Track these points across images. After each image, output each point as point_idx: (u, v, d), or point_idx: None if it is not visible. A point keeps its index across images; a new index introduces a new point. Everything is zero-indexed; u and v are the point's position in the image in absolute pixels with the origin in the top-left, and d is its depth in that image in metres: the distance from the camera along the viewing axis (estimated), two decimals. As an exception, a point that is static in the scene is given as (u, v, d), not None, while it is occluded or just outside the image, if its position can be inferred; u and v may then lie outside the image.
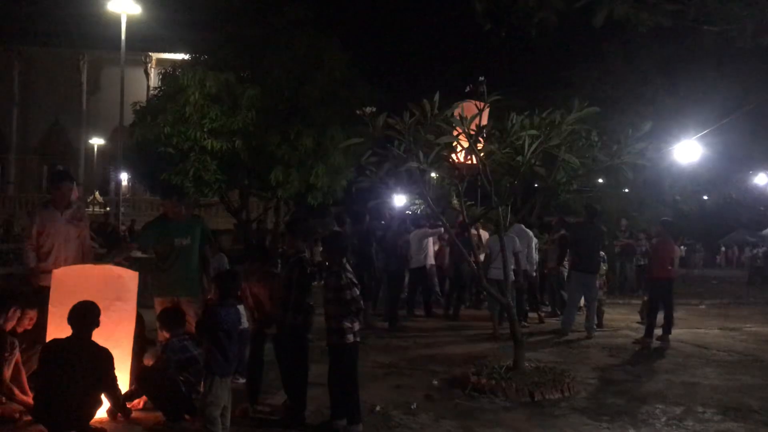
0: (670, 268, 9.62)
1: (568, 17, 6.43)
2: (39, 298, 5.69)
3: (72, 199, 6.43)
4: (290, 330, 5.44)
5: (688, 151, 11.53)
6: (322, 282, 5.51)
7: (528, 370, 6.92)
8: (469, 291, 12.90)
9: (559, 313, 11.42)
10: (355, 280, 5.28)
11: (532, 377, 6.68)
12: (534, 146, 6.34)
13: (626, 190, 17.43)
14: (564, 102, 6.83)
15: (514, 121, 6.32)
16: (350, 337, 5.21)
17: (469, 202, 7.64)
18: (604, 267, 10.53)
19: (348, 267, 5.31)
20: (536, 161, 6.66)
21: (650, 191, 17.21)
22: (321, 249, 5.94)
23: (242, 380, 6.12)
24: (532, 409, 6.03)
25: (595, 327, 10.01)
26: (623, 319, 11.60)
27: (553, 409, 6.03)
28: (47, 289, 5.55)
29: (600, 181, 14.87)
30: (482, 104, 6.40)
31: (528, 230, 10.92)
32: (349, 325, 5.18)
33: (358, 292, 5.24)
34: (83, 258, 6.33)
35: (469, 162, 6.65)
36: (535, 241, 11.18)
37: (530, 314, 11.11)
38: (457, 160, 6.73)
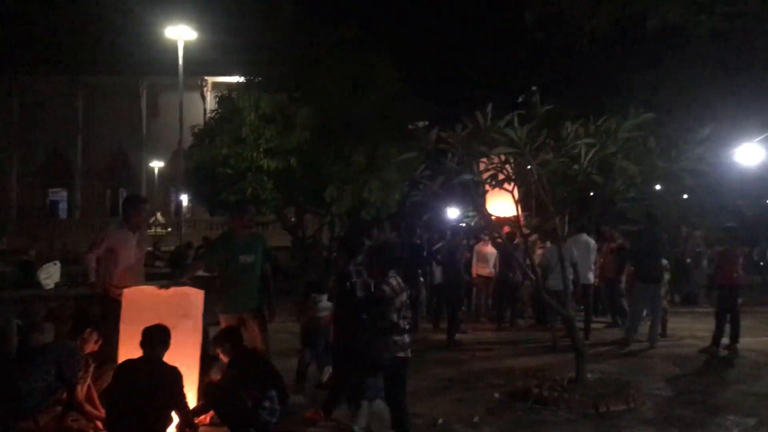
0: (735, 275, 9.34)
1: (620, 24, 6.37)
2: (111, 312, 5.90)
3: None
4: (346, 345, 5.52)
5: (749, 154, 11.16)
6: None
7: (591, 381, 6.82)
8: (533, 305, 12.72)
9: (620, 323, 11.20)
10: (390, 293, 5.19)
11: (595, 389, 6.58)
12: (590, 155, 6.28)
13: (685, 197, 16.98)
14: (619, 109, 6.73)
15: (569, 130, 6.28)
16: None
17: (524, 213, 7.60)
18: (667, 276, 10.29)
19: (390, 280, 5.27)
20: (593, 170, 6.60)
21: (711, 197, 16.74)
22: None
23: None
24: (597, 421, 5.94)
25: (658, 337, 9.79)
26: (687, 328, 11.27)
27: (618, 420, 5.92)
28: (118, 304, 5.77)
29: (658, 188, 14.55)
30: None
31: (588, 238, 10.78)
32: (388, 340, 5.19)
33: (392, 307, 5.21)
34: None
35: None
36: (592, 244, 10.98)
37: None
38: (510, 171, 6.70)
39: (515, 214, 7.26)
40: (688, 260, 15.06)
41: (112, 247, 6.23)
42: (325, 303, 6.75)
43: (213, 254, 6.66)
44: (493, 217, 7.30)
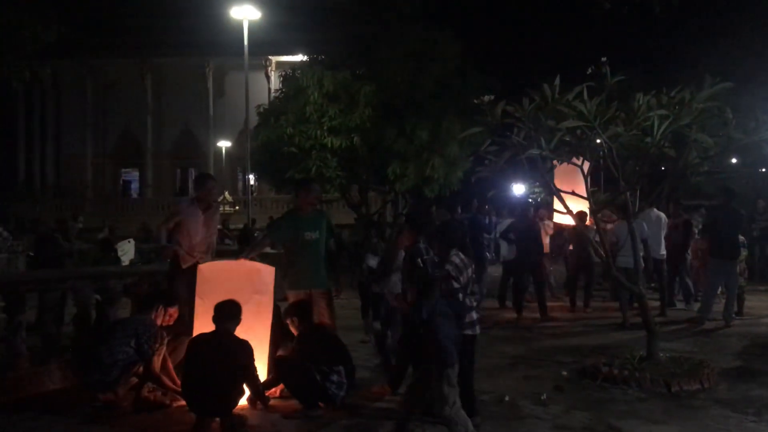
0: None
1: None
2: (185, 279, 6.17)
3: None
4: (411, 321, 5.52)
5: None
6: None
7: (663, 360, 6.66)
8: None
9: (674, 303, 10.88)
10: (453, 272, 5.14)
11: (667, 367, 6.42)
12: (663, 127, 6.06)
13: (764, 170, 16.22)
14: (692, 79, 6.47)
15: (640, 102, 6.07)
16: None
17: (592, 188, 7.43)
18: (744, 252, 9.89)
19: (453, 259, 5.20)
20: (665, 142, 6.38)
21: (793, 170, 15.93)
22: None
23: None
24: (669, 400, 5.80)
25: (734, 315, 9.46)
26: (765, 307, 10.87)
27: (691, 400, 5.77)
28: (187, 276, 6.02)
29: (733, 161, 13.96)
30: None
31: (660, 213, 10.47)
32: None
33: (456, 285, 5.12)
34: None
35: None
36: (663, 218, 10.63)
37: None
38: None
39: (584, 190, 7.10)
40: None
41: (182, 222, 6.51)
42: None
43: (278, 231, 6.76)
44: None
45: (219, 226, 8.18)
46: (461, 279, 5.15)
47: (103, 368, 5.44)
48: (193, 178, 9.16)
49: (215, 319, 5.18)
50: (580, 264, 10.94)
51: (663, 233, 10.54)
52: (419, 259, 5.48)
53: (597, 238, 7.98)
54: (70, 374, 6.25)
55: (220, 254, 8.35)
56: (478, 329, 5.24)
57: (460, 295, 5.14)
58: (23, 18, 12.27)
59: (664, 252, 10.58)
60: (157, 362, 5.65)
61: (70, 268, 9.90)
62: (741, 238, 9.68)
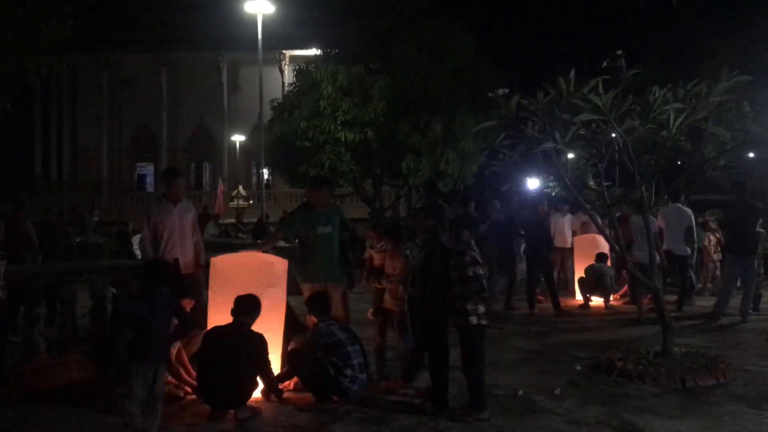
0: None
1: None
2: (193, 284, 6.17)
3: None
4: (429, 314, 5.52)
5: None
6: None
7: (678, 355, 6.61)
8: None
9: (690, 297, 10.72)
10: (480, 259, 5.26)
11: (682, 363, 6.38)
12: (679, 120, 6.01)
13: (781, 164, 16.05)
14: (709, 73, 6.40)
15: (656, 95, 6.02)
16: (473, 319, 5.15)
17: (606, 183, 7.37)
18: (766, 246, 9.76)
19: (474, 247, 5.29)
20: (681, 136, 6.32)
21: (811, 164, 15.75)
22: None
23: None
24: (684, 395, 5.76)
25: (750, 311, 9.38)
26: (783, 303, 10.75)
27: (707, 396, 5.73)
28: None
29: (751, 155, 13.79)
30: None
31: (686, 209, 10.26)
32: (472, 306, 5.15)
33: (482, 271, 5.21)
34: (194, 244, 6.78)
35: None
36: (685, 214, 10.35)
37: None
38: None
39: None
40: None
41: (155, 222, 6.52)
42: None
43: (290, 226, 6.77)
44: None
45: (232, 220, 8.17)
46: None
47: (118, 360, 5.48)
48: (161, 173, 9.15)
49: (234, 312, 5.21)
50: (592, 288, 10.84)
51: (684, 227, 10.16)
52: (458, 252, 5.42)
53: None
54: (87, 366, 6.30)
55: (235, 249, 8.36)
56: (484, 320, 5.21)
57: (485, 282, 5.20)
58: (40, 13, 12.36)
59: (687, 249, 10.18)
60: (172, 354, 5.68)
61: (78, 261, 9.97)
62: (761, 231, 9.53)
